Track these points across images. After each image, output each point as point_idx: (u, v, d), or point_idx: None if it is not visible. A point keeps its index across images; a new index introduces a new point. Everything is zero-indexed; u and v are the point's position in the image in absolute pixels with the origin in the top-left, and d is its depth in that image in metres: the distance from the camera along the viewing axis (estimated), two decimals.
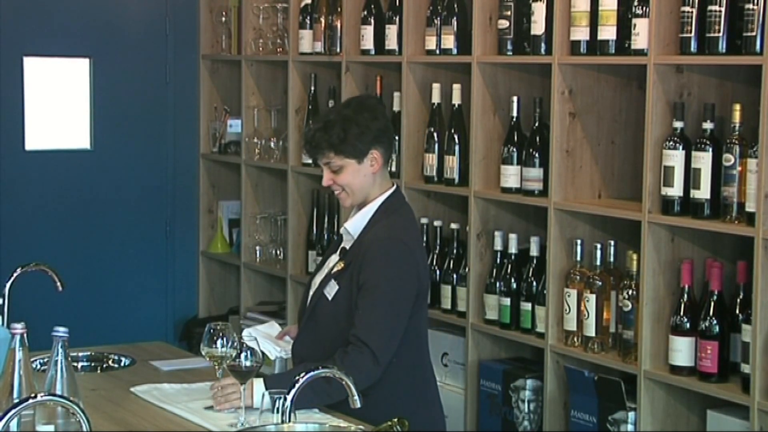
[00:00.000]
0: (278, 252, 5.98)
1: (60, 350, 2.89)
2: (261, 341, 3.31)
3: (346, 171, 3.45)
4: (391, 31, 5.01)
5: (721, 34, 3.69)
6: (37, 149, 6.00)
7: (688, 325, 3.86)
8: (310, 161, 5.54)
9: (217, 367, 3.28)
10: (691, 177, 3.81)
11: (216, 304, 6.44)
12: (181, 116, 6.33)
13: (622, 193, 4.39)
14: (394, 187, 3.54)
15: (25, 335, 2.83)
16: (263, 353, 3.28)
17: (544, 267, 4.38)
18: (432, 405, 3.57)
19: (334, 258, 3.55)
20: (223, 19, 6.23)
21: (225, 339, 3.24)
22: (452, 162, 4.73)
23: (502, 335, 4.59)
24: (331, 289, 3.45)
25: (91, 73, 6.11)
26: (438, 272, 4.83)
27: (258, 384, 3.28)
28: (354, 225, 3.50)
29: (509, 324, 4.53)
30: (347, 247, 3.49)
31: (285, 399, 2.74)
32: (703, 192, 3.78)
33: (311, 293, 3.54)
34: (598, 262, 4.16)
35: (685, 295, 3.88)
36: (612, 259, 4.20)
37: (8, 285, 3.74)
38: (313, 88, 5.61)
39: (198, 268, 6.44)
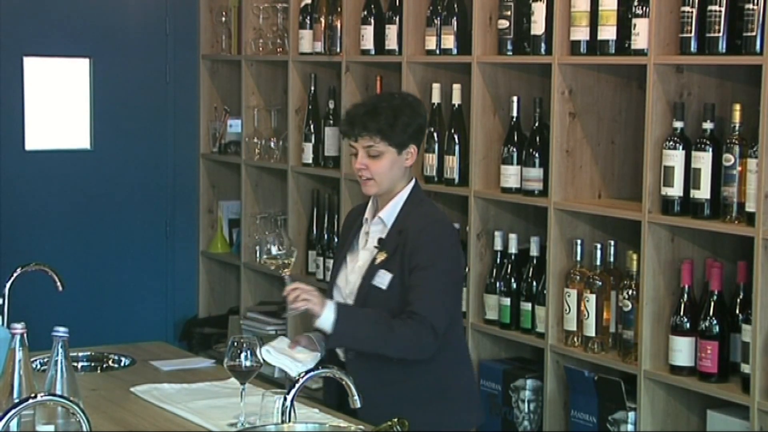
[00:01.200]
0: None
1: (60, 350, 2.89)
2: (280, 358, 3.38)
3: (384, 159, 3.51)
4: (391, 31, 5.01)
5: (721, 34, 3.69)
6: (37, 149, 6.00)
7: (688, 325, 3.86)
8: (310, 161, 5.55)
9: (281, 272, 3.43)
10: (691, 177, 3.81)
11: (216, 304, 6.44)
12: (181, 116, 6.33)
13: (622, 193, 4.39)
14: (415, 179, 3.63)
15: (25, 335, 2.83)
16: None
17: (544, 267, 4.38)
18: (472, 383, 3.73)
19: (365, 253, 3.57)
20: (223, 19, 6.23)
21: (276, 243, 3.43)
22: (452, 162, 4.73)
23: (502, 335, 4.58)
24: (383, 279, 3.49)
25: (91, 73, 6.11)
26: None
27: (330, 305, 3.39)
28: (387, 215, 3.56)
29: (509, 324, 4.53)
30: (383, 237, 3.53)
31: (285, 399, 2.74)
32: (703, 192, 3.78)
33: (351, 290, 3.55)
34: (598, 262, 4.16)
35: (685, 295, 3.88)
36: (612, 259, 4.20)
37: (8, 285, 3.74)
38: (313, 88, 5.61)
39: (198, 268, 6.44)
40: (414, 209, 3.55)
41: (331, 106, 5.46)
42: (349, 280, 3.58)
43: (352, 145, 3.56)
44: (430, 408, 3.49)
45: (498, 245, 4.57)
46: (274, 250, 3.45)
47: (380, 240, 3.55)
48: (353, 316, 3.43)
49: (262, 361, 3.20)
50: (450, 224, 3.63)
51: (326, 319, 3.38)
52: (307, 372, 2.84)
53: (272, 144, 5.92)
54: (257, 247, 3.50)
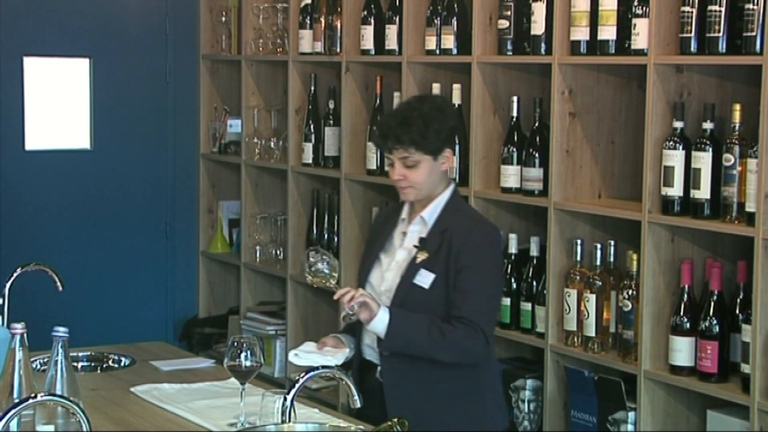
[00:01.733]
0: (278, 252, 5.98)
1: (60, 350, 2.89)
2: (309, 357, 3.39)
3: (421, 167, 3.50)
4: (391, 31, 5.01)
5: (721, 34, 3.69)
6: (37, 149, 6.00)
7: (688, 325, 3.86)
8: (310, 161, 5.55)
9: (327, 283, 3.50)
10: (691, 177, 3.81)
11: (216, 304, 6.44)
12: (181, 116, 6.33)
13: (622, 193, 4.38)
14: (454, 182, 3.64)
15: (25, 335, 2.83)
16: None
17: (544, 267, 4.38)
18: (500, 386, 3.72)
19: (403, 252, 3.55)
20: (223, 19, 6.24)
21: (323, 259, 3.49)
22: (452, 162, 4.72)
23: (502, 335, 4.58)
24: (426, 278, 3.47)
25: (91, 73, 6.11)
26: None
27: (384, 307, 3.39)
28: (428, 214, 3.56)
29: (509, 324, 4.53)
30: (424, 237, 3.53)
31: (285, 399, 2.74)
32: (703, 192, 3.78)
33: (388, 287, 3.53)
34: (598, 262, 4.16)
35: (685, 295, 3.88)
36: (612, 259, 4.20)
37: (8, 285, 3.74)
38: (313, 88, 5.61)
39: (198, 268, 6.44)
40: (456, 210, 3.56)
41: (331, 106, 5.46)
42: (386, 277, 3.56)
43: (388, 156, 3.56)
44: (462, 408, 3.49)
45: None
46: (322, 268, 3.48)
47: (421, 239, 3.53)
48: (406, 319, 3.41)
49: (261, 358, 3.20)
50: (496, 228, 3.64)
51: (381, 320, 3.37)
52: (307, 372, 2.84)
53: (272, 144, 5.92)
54: (306, 267, 3.52)
